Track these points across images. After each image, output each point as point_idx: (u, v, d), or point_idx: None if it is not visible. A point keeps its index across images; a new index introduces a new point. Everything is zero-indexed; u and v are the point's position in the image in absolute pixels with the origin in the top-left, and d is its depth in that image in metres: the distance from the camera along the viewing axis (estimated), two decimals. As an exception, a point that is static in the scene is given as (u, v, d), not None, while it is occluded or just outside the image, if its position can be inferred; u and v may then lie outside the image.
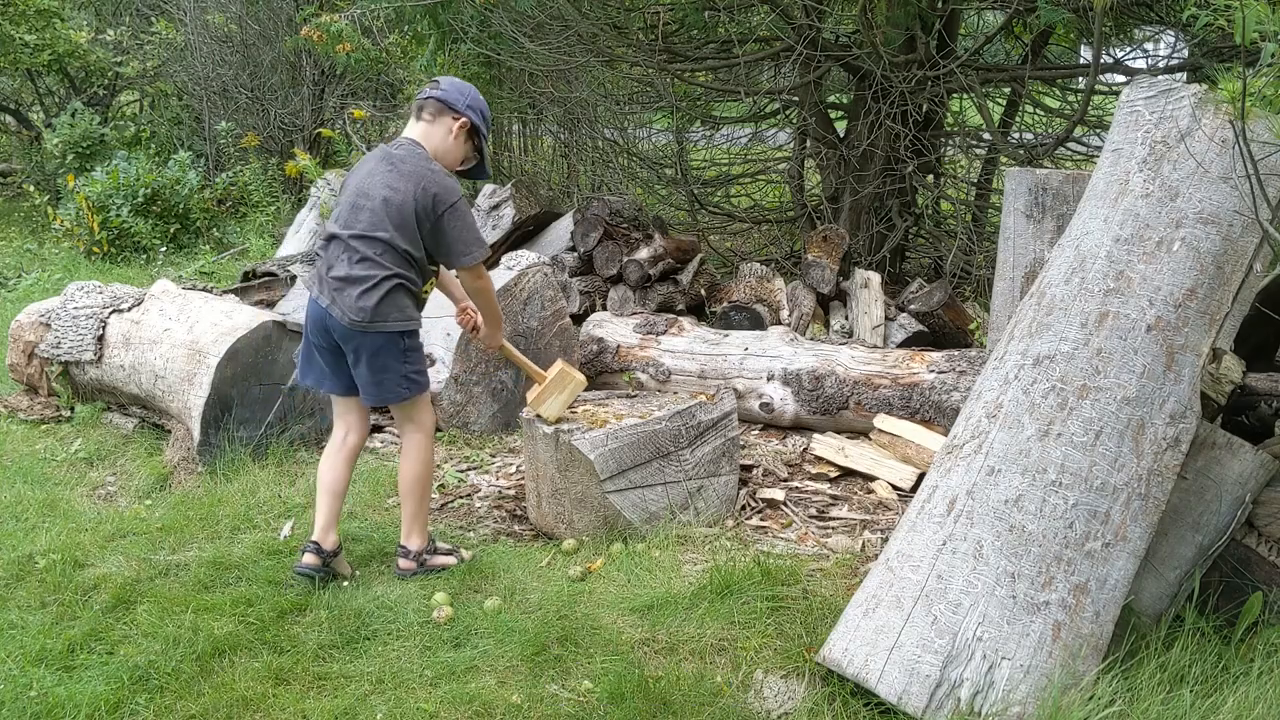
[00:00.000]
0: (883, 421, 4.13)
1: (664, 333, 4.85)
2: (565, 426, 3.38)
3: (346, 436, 3.20)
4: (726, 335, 4.80)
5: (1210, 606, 2.66)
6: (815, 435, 4.30)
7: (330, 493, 3.16)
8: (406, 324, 3.03)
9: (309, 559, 3.08)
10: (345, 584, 3.14)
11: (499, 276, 4.58)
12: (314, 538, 3.12)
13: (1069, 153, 6.72)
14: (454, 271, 3.23)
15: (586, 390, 3.62)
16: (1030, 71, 6.17)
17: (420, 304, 3.13)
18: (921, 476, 3.74)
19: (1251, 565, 2.65)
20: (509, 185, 6.59)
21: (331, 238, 3.04)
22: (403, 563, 3.18)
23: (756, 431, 4.50)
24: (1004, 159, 6.46)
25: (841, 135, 6.89)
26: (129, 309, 4.63)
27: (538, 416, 3.43)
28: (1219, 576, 2.67)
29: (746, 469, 3.97)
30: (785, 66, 7.10)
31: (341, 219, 3.02)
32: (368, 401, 3.11)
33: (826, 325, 5.64)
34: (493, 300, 3.25)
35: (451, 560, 3.23)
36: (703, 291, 6.11)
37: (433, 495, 3.86)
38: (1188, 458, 2.50)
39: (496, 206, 6.45)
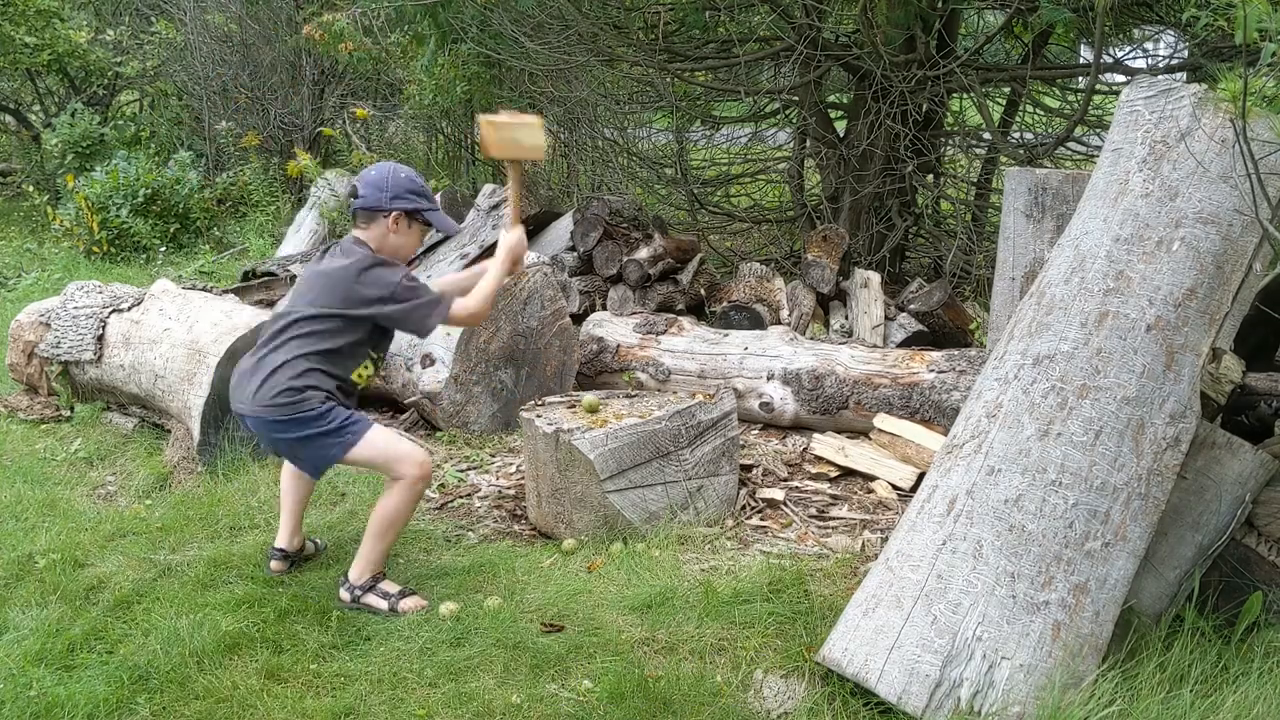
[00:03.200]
0: (883, 421, 4.13)
1: (664, 332, 4.85)
2: (565, 426, 3.38)
3: None
4: (726, 335, 4.80)
5: (1210, 606, 2.66)
6: (815, 435, 4.30)
7: (287, 500, 3.25)
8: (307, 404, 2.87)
9: (274, 565, 3.22)
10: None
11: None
12: (276, 543, 3.25)
13: (1069, 153, 6.72)
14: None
15: (585, 389, 3.62)
16: (1030, 71, 6.17)
17: (343, 382, 2.97)
18: (921, 476, 3.74)
19: (1251, 565, 2.65)
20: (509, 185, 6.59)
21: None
22: (341, 593, 3.02)
23: (756, 431, 4.50)
24: (1004, 159, 6.46)
25: (841, 135, 6.89)
26: (129, 309, 4.63)
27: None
28: (1219, 576, 2.67)
29: (746, 469, 3.97)
30: (785, 66, 7.10)
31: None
32: (311, 476, 3.10)
33: (826, 325, 5.64)
34: (490, 297, 3.07)
35: (384, 606, 2.95)
36: (703, 291, 6.11)
37: (432, 495, 3.86)
38: (1188, 457, 2.50)
39: (496, 206, 6.44)
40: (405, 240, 3.03)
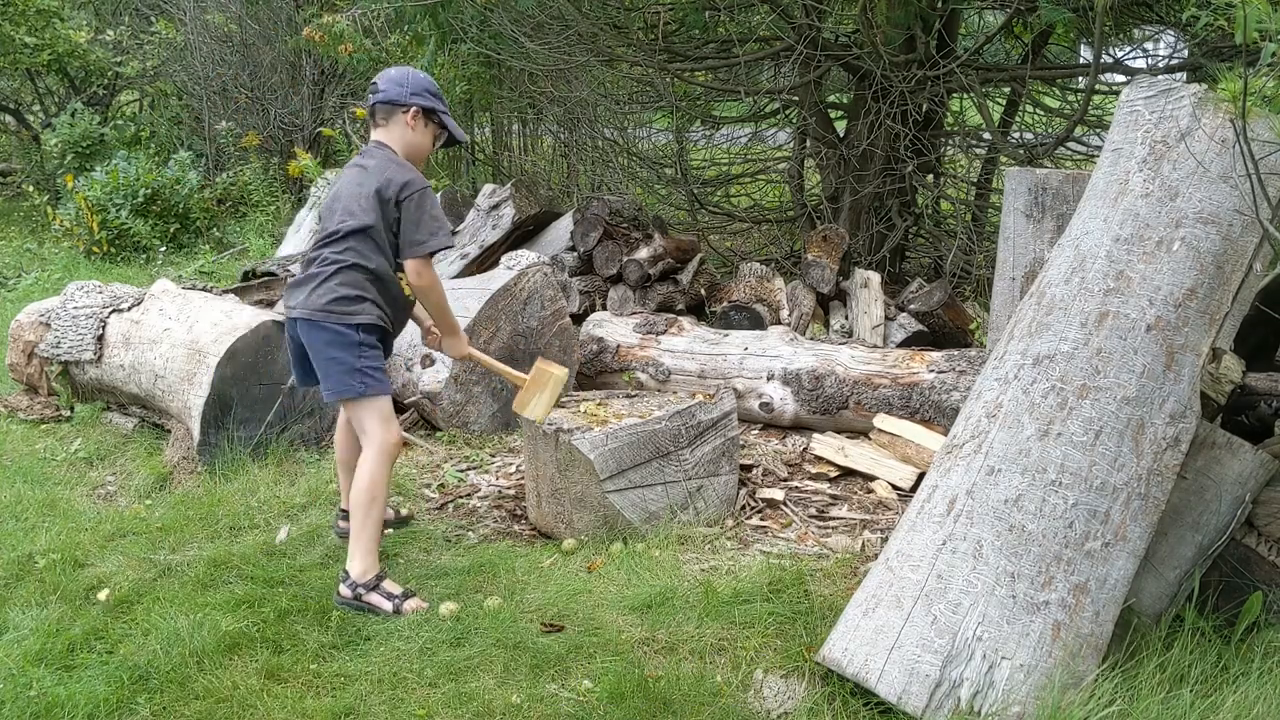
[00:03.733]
0: (882, 421, 4.13)
1: (664, 332, 4.85)
2: (565, 426, 3.38)
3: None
4: (726, 335, 4.80)
5: (1210, 606, 2.66)
6: (815, 435, 4.30)
7: (344, 466, 3.33)
8: (357, 318, 2.99)
9: (341, 524, 3.36)
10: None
11: (499, 276, 4.58)
12: (341, 505, 3.40)
13: (1069, 153, 6.72)
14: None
15: (586, 390, 3.62)
16: (1030, 71, 6.17)
17: (392, 300, 3.09)
18: (921, 476, 3.74)
19: (1251, 565, 2.65)
20: (509, 185, 6.59)
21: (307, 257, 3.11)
22: (341, 588, 2.98)
23: (756, 431, 4.50)
24: (1004, 159, 6.46)
25: (841, 135, 6.89)
26: (129, 309, 4.63)
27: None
28: (1219, 576, 2.67)
29: (746, 469, 3.97)
30: (785, 66, 7.11)
31: (315, 234, 3.08)
32: (325, 396, 3.07)
33: (826, 325, 5.64)
34: (441, 303, 3.13)
35: (388, 607, 2.92)
36: (703, 291, 6.11)
37: (432, 495, 3.86)
38: (1188, 457, 2.50)
39: (496, 206, 6.45)
40: (422, 139, 3.12)
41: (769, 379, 4.48)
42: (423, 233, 3.00)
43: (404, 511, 3.61)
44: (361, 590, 2.96)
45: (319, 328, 2.99)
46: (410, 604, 2.96)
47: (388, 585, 2.99)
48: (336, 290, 2.98)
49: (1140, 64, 6.69)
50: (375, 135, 3.12)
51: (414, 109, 3.08)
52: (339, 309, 2.98)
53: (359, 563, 2.98)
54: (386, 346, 3.16)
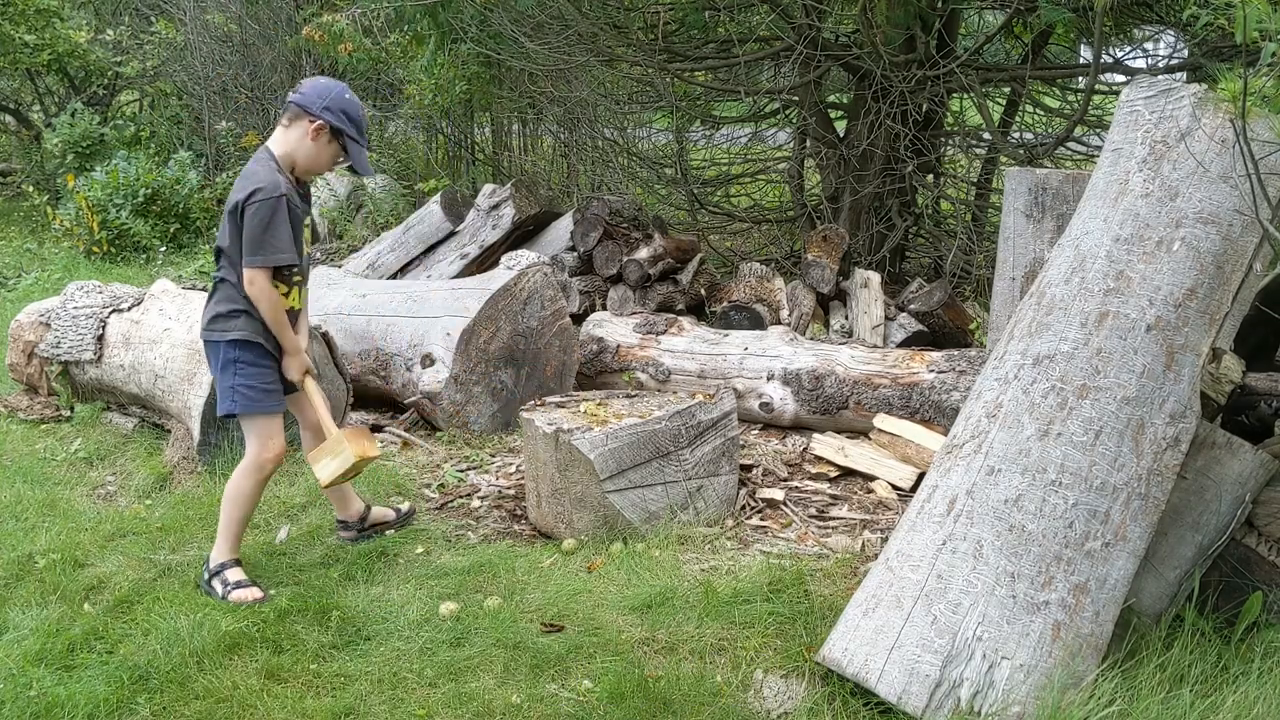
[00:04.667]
0: (882, 421, 4.13)
1: (664, 332, 4.85)
2: (565, 426, 3.38)
3: (307, 423, 3.34)
4: (726, 335, 4.80)
5: (1210, 606, 2.66)
6: (815, 435, 4.30)
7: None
8: (229, 334, 3.01)
9: (342, 534, 3.43)
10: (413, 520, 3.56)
11: (499, 276, 4.58)
12: (336, 515, 3.46)
13: (1069, 153, 6.72)
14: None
15: (586, 390, 3.62)
16: (1030, 71, 6.17)
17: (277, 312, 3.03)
18: (921, 476, 3.74)
19: (1251, 565, 2.65)
20: (509, 185, 6.59)
21: None
22: (203, 571, 3.14)
23: (756, 431, 4.50)
24: (1004, 159, 6.46)
25: (841, 135, 6.89)
26: (129, 309, 4.63)
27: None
28: (1219, 576, 2.67)
29: (746, 469, 3.97)
30: (785, 66, 7.10)
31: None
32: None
33: (826, 325, 5.64)
34: (272, 316, 3.01)
35: (219, 593, 3.03)
36: (703, 291, 6.11)
37: (432, 495, 3.86)
38: (1188, 457, 2.50)
39: (496, 206, 6.45)
40: (318, 154, 3.05)
41: (769, 379, 4.48)
42: (253, 245, 2.93)
43: (404, 507, 3.60)
44: (208, 575, 3.10)
45: (207, 345, 3.08)
46: (238, 594, 3.02)
47: (228, 573, 3.08)
48: (215, 308, 3.04)
49: (1140, 64, 6.70)
50: (273, 135, 3.08)
51: (320, 123, 3.01)
52: (216, 326, 3.03)
53: (214, 552, 3.12)
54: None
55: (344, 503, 3.42)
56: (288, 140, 3.05)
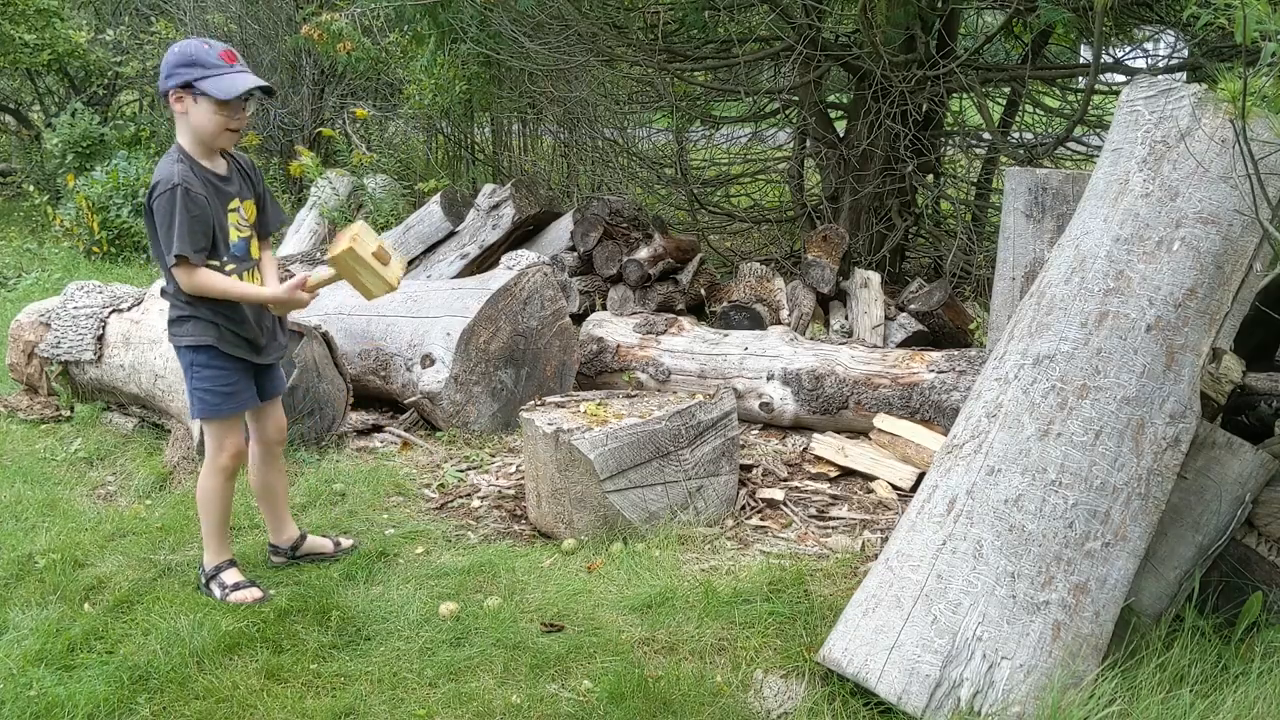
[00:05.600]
0: (882, 421, 4.13)
1: (664, 332, 4.85)
2: (565, 426, 3.38)
3: (261, 437, 3.22)
4: (726, 335, 4.80)
5: (1210, 606, 2.66)
6: (815, 435, 4.30)
7: (257, 494, 3.33)
8: (183, 340, 2.95)
9: (273, 559, 3.33)
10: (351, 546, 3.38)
11: (499, 276, 4.58)
12: (270, 540, 3.34)
13: (1069, 152, 6.72)
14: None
15: (586, 390, 3.61)
16: (1030, 71, 6.17)
17: (231, 312, 2.92)
18: (921, 476, 3.74)
19: (1251, 565, 2.65)
20: (509, 185, 6.59)
21: None
22: (200, 576, 3.15)
23: (756, 431, 4.50)
24: (1004, 159, 6.46)
25: (841, 135, 6.89)
26: (129, 309, 4.63)
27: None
28: (1219, 576, 2.67)
29: (746, 469, 3.97)
30: (785, 66, 7.10)
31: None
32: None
33: (826, 325, 5.64)
34: (235, 292, 2.88)
35: (217, 595, 3.04)
36: (703, 291, 6.11)
37: (432, 495, 3.86)
38: (1188, 457, 2.50)
39: (496, 206, 6.45)
40: (199, 118, 2.82)
41: (769, 379, 4.48)
42: (165, 243, 2.79)
43: (347, 542, 3.39)
44: (204, 579, 3.11)
45: (175, 350, 3.05)
46: (237, 595, 3.02)
47: (225, 575, 3.08)
48: (170, 313, 2.99)
49: (1140, 64, 6.70)
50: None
51: (173, 93, 2.81)
52: (173, 331, 2.99)
53: (206, 555, 3.13)
54: (259, 355, 3.05)
55: (279, 527, 3.30)
56: (180, 129, 2.90)
